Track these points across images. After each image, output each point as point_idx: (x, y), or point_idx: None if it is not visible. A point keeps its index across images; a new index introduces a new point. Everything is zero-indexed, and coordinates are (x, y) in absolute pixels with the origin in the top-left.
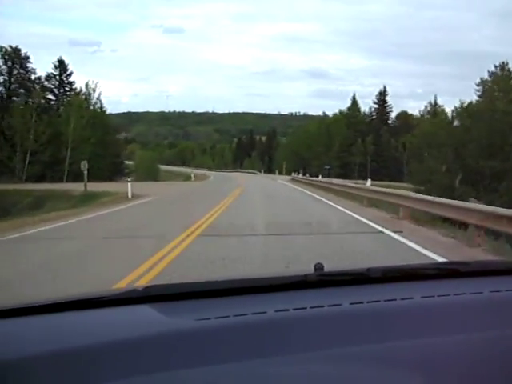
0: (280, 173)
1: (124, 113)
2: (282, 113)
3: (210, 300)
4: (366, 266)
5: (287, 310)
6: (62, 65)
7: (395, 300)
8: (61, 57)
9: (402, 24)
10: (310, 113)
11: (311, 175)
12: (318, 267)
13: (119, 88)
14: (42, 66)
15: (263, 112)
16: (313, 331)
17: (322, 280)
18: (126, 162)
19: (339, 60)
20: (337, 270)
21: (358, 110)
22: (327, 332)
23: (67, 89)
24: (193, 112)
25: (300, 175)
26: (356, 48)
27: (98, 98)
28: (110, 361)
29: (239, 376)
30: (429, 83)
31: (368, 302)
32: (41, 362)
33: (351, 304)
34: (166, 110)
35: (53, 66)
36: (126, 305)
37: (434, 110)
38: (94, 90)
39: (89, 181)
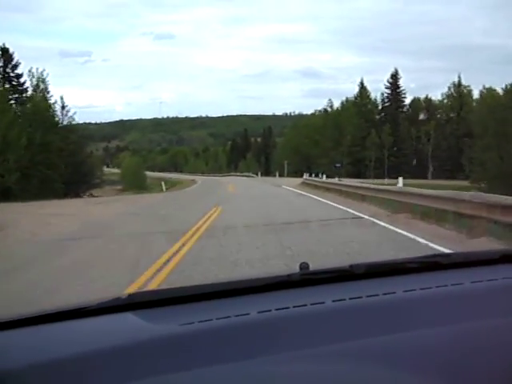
0: (281, 175)
1: (117, 121)
2: (277, 113)
3: (194, 304)
4: None
5: (270, 310)
6: (5, 54)
7: (377, 295)
8: (4, 44)
9: (392, 20)
10: (305, 112)
11: (326, 176)
12: (304, 266)
13: (112, 97)
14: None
15: (257, 114)
16: (296, 330)
17: (306, 279)
18: (116, 170)
19: (331, 59)
20: (320, 269)
21: (368, 96)
22: (310, 330)
23: (14, 83)
24: (186, 117)
25: (324, 177)
26: (347, 46)
27: (45, 91)
28: (96, 369)
29: (225, 377)
30: (421, 77)
31: (350, 299)
32: (28, 374)
33: (334, 301)
34: (160, 117)
35: None
36: (111, 313)
37: (459, 92)
38: (41, 80)
39: (17, 200)
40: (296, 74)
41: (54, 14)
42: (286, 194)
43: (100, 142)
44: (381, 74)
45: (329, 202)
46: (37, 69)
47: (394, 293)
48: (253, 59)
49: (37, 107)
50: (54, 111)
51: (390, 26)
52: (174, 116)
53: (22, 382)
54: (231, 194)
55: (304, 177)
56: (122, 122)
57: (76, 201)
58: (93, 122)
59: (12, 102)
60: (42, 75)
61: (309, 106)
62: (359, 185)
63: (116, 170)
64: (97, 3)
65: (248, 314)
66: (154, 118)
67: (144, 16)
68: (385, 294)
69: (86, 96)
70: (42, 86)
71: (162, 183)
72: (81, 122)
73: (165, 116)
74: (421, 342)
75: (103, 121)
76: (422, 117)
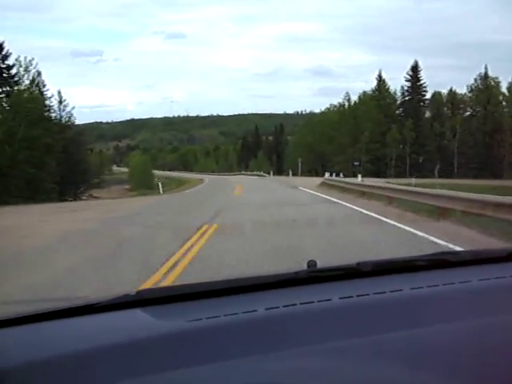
0: (295, 174)
1: (128, 120)
2: (288, 112)
3: (202, 301)
4: None
5: (277, 307)
6: None
7: (384, 293)
8: None
9: (403, 17)
10: (317, 110)
11: (340, 175)
12: (311, 264)
13: (124, 96)
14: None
15: (268, 112)
16: (303, 327)
17: (313, 276)
18: (125, 169)
19: (342, 57)
20: (328, 266)
21: (387, 90)
22: (317, 327)
23: (5, 75)
24: (197, 116)
25: (359, 178)
26: (358, 44)
27: (35, 82)
28: (104, 365)
29: (233, 373)
30: (433, 75)
31: (357, 296)
32: (37, 369)
33: (341, 298)
34: (171, 116)
35: None
36: (120, 309)
37: (486, 84)
38: (28, 70)
39: None
40: (307, 72)
41: (64, 14)
42: (307, 199)
43: (111, 141)
44: (392, 72)
45: (386, 220)
46: (25, 57)
47: (401, 290)
48: (263, 58)
49: (19, 98)
50: (49, 105)
51: (400, 24)
52: (185, 115)
53: (32, 377)
54: (236, 199)
55: (325, 176)
56: (133, 121)
57: (53, 206)
58: (104, 121)
59: (1, 95)
60: (31, 64)
61: (320, 104)
62: (415, 190)
63: (125, 169)
64: (108, 3)
65: (255, 310)
66: (165, 117)
67: (155, 15)
68: (392, 291)
69: (98, 95)
70: (36, 78)
71: (159, 184)
72: (92, 121)
73: (176, 115)
74: (428, 338)
75: (115, 120)
76: (428, 114)
